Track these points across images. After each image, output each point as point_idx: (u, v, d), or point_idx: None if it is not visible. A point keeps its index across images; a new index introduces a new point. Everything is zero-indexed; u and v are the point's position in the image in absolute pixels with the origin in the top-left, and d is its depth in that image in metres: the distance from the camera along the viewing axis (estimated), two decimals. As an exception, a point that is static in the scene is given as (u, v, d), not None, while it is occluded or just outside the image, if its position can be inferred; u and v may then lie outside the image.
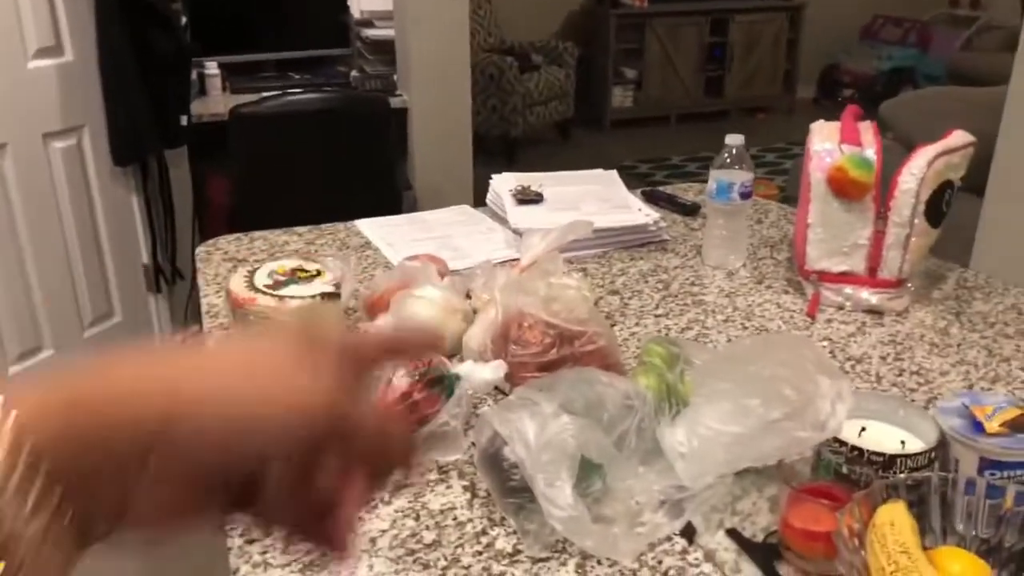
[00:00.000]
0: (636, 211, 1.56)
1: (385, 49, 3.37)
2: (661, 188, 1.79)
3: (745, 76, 6.42)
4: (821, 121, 1.37)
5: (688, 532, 0.82)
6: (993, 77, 2.81)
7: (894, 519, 0.69)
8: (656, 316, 1.26)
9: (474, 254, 1.48)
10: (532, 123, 5.28)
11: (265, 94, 2.74)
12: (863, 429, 0.84)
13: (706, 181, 1.47)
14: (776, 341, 0.91)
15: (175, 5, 2.99)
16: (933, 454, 0.79)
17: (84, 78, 2.43)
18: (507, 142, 5.16)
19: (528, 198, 1.60)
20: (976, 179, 1.30)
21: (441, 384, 0.95)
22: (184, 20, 3.01)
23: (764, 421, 0.80)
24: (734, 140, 1.39)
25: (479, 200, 1.75)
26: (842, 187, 1.25)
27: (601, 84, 6.01)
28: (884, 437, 0.83)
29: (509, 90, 5.06)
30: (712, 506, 0.84)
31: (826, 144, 1.28)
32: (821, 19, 6.51)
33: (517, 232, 1.54)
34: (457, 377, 0.98)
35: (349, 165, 2.67)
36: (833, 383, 0.80)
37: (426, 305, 1.14)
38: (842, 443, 0.81)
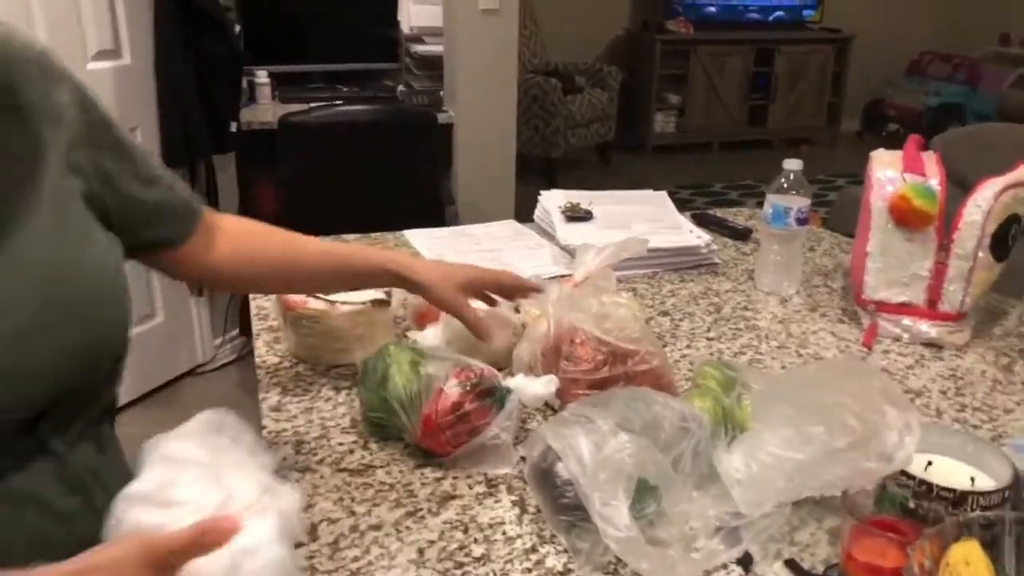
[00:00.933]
0: (687, 233, 1.54)
1: (433, 65, 3.40)
2: (711, 212, 1.76)
3: (789, 107, 6.37)
4: (882, 149, 1.34)
5: (745, 561, 0.80)
6: (1046, 116, 2.75)
7: (969, 558, 0.66)
8: (708, 339, 1.24)
9: (521, 269, 1.47)
10: (573, 145, 5.28)
11: (313, 104, 2.76)
12: (929, 463, 0.81)
13: (750, 208, 1.44)
14: (840, 368, 0.89)
15: (229, 13, 3.04)
16: (1007, 492, 0.76)
17: (140, 81, 2.47)
18: (548, 163, 5.16)
19: (577, 215, 1.58)
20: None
21: (492, 396, 0.94)
22: (237, 28, 3.05)
23: (827, 449, 0.77)
24: (792, 165, 1.37)
25: (519, 219, 1.74)
26: (904, 216, 1.22)
27: (644, 109, 6.01)
28: (952, 473, 0.80)
29: (552, 111, 5.07)
30: (769, 535, 0.82)
31: (888, 172, 1.26)
32: (868, 53, 6.46)
33: (566, 249, 1.53)
34: (508, 390, 0.96)
35: (394, 178, 2.68)
36: (901, 414, 0.77)
37: (476, 317, 1.13)
38: (910, 476, 0.78)
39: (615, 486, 0.75)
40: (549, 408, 1.04)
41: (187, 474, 0.61)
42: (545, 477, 0.83)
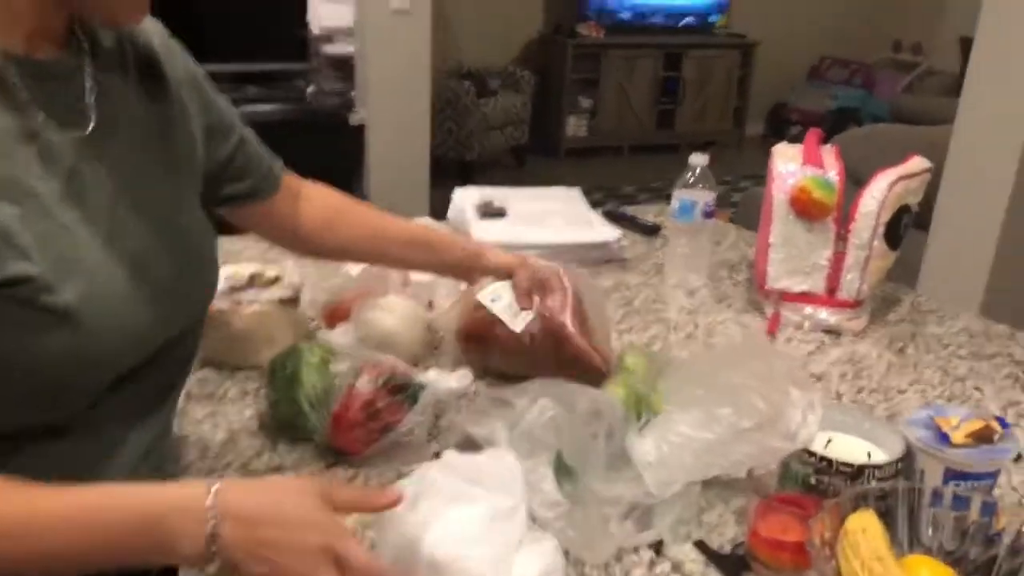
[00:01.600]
0: (598, 228, 1.56)
1: (343, 66, 3.36)
2: (622, 209, 1.79)
3: (697, 111, 6.54)
4: (784, 143, 1.40)
5: (656, 542, 0.81)
6: (934, 119, 2.91)
7: (866, 526, 0.68)
8: (619, 331, 1.26)
9: (435, 267, 1.47)
10: (488, 148, 5.30)
11: (221, 105, 2.70)
12: (829, 441, 0.85)
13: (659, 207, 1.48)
14: (748, 350, 0.92)
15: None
16: (900, 465, 0.79)
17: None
18: (462, 165, 5.16)
19: (491, 212, 1.59)
20: (920, 215, 1.35)
21: (405, 392, 0.93)
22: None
23: (735, 429, 0.79)
24: (698, 160, 1.40)
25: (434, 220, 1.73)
26: (804, 207, 1.27)
27: (556, 112, 6.06)
28: (851, 449, 0.84)
29: (466, 114, 5.08)
30: (679, 517, 0.83)
31: (789, 166, 1.30)
32: (772, 58, 6.68)
33: (479, 246, 1.53)
34: (422, 386, 0.95)
35: (305, 178, 2.63)
36: (804, 394, 0.80)
37: (387, 314, 1.12)
38: (811, 454, 0.81)
39: (537, 457, 0.75)
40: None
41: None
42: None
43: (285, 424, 0.95)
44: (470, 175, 5.08)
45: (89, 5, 0.65)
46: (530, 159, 5.85)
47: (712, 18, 6.56)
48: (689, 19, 6.49)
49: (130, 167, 0.71)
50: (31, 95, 0.63)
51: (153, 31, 0.80)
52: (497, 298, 1.04)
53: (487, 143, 5.28)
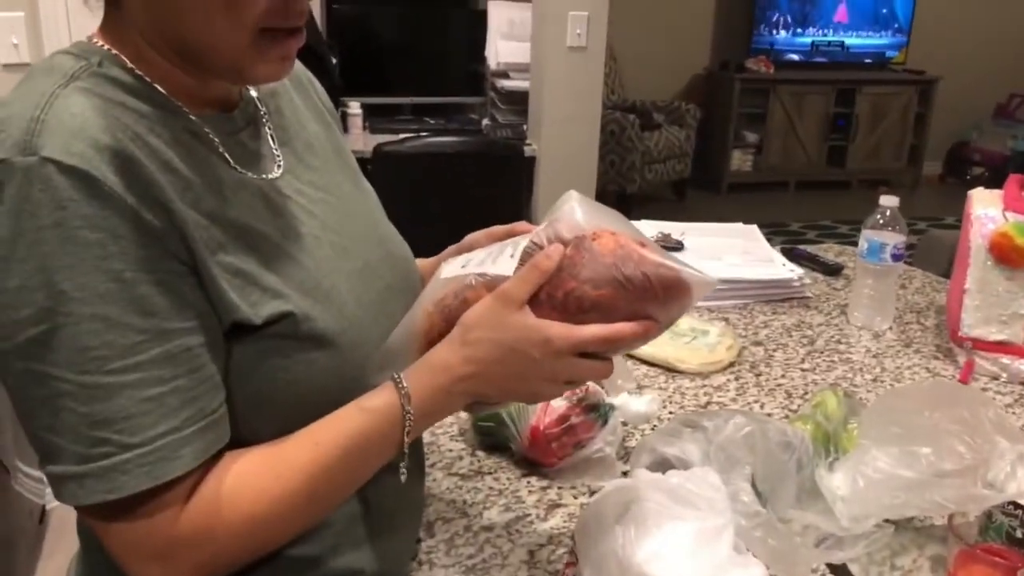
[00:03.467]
0: (780, 266, 1.56)
1: (517, 100, 3.49)
2: (801, 247, 1.78)
3: (869, 148, 6.29)
4: (981, 188, 1.35)
5: (846, 580, 0.81)
6: None
7: (1082, 583, 0.67)
8: (803, 370, 1.26)
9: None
10: (649, 180, 5.32)
11: (404, 135, 2.87)
12: (1036, 495, 0.82)
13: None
14: (952, 393, 0.90)
15: (329, 45, 3.19)
16: (1118, 525, 0.76)
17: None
18: (623, 198, 5.20)
19: (669, 245, 1.62)
20: None
21: (597, 411, 0.98)
22: (335, 61, 3.20)
23: (935, 471, 0.79)
24: (889, 201, 1.38)
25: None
26: (1005, 254, 1.22)
27: (721, 147, 6.01)
28: (1059, 505, 0.81)
29: (629, 147, 5.12)
30: (870, 556, 0.83)
31: (988, 210, 1.27)
32: (953, 95, 6.34)
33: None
34: (612, 407, 1.00)
35: (478, 207, 2.76)
36: (1014, 445, 0.79)
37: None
38: (1018, 506, 0.79)
39: (735, 472, 0.77)
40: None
41: None
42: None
43: (484, 432, 1.02)
44: (630, 208, 5.11)
45: (238, 76, 0.66)
46: (691, 193, 5.82)
47: (889, 54, 6.32)
48: (862, 54, 6.27)
49: (325, 190, 0.77)
50: (229, 149, 0.68)
51: (299, 65, 0.84)
52: (467, 261, 0.74)
53: (649, 176, 5.30)
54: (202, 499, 0.61)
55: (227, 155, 0.68)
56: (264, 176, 0.71)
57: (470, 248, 0.79)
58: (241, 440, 0.65)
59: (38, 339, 0.55)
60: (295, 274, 0.67)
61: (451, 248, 0.86)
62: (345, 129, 3.31)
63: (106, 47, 0.64)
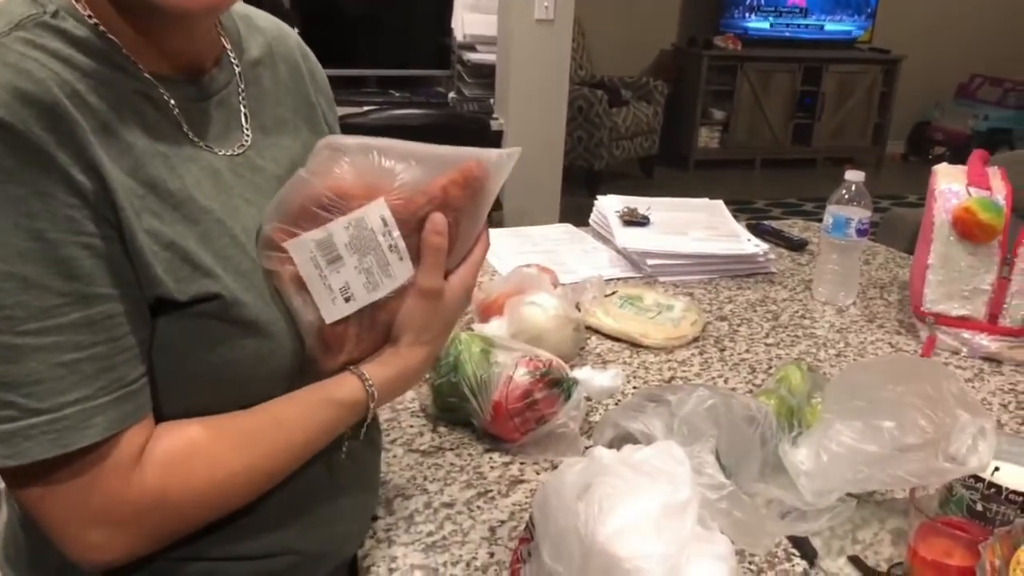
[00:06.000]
0: (745, 241, 1.55)
1: (484, 73, 3.45)
2: (767, 223, 1.78)
3: (835, 126, 6.34)
4: (945, 164, 1.35)
5: (808, 554, 0.81)
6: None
7: (1041, 555, 0.67)
8: (767, 344, 1.25)
9: (579, 270, 1.50)
10: (617, 157, 5.31)
11: (368, 108, 2.82)
12: (996, 468, 0.82)
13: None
14: (914, 367, 0.90)
15: (287, 16, 3.12)
16: (1077, 497, 0.77)
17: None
18: (590, 174, 5.19)
19: (635, 220, 1.61)
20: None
21: (560, 386, 0.97)
22: (296, 30, 3.13)
23: (898, 445, 0.79)
24: (854, 176, 1.38)
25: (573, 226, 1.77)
26: (968, 229, 1.23)
27: (688, 124, 6.01)
28: (1019, 478, 0.81)
29: (597, 123, 5.11)
30: (832, 530, 0.83)
31: (952, 185, 1.27)
32: (916, 74, 6.41)
33: (623, 252, 1.55)
34: (575, 381, 0.99)
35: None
36: (976, 419, 0.78)
37: (540, 312, 1.16)
38: (978, 479, 0.79)
39: (699, 444, 0.76)
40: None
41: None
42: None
43: (446, 408, 1.00)
44: (597, 184, 5.10)
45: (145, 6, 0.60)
46: (658, 170, 5.83)
47: (855, 33, 6.35)
48: (829, 33, 6.30)
49: (288, 170, 0.72)
50: (188, 116, 0.65)
51: (295, 37, 0.82)
52: (346, 289, 0.69)
53: (616, 152, 5.29)
54: (154, 462, 0.59)
55: (183, 122, 0.64)
56: (222, 152, 0.67)
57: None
58: (166, 415, 0.62)
59: None
60: (233, 255, 0.64)
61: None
62: (308, 101, 3.24)
63: None
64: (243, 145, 0.70)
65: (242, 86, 0.72)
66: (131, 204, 0.58)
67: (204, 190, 0.64)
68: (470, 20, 3.61)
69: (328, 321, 0.66)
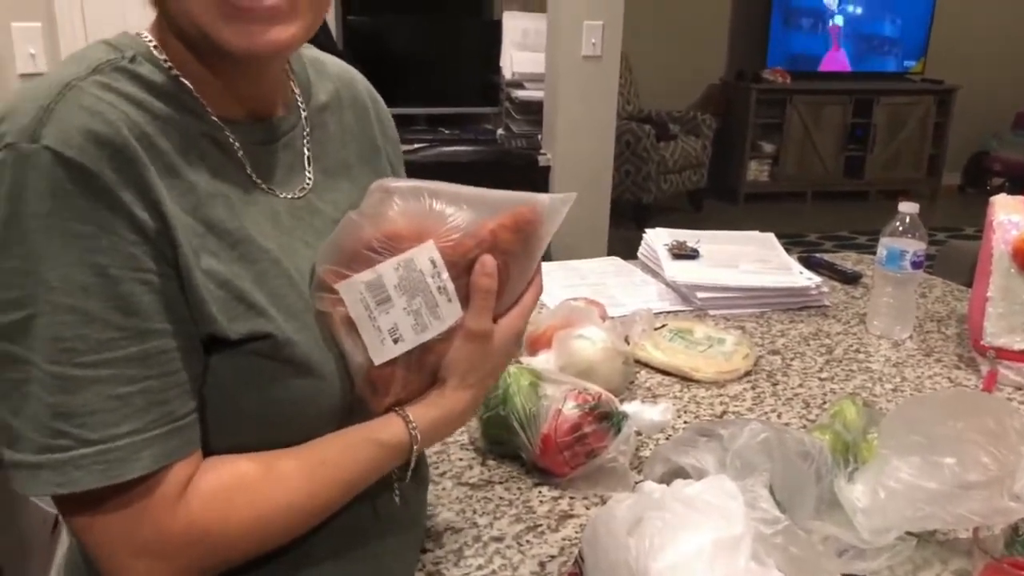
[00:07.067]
0: (797, 274, 1.53)
1: (532, 110, 3.48)
2: (819, 255, 1.75)
3: (887, 158, 6.25)
4: (1003, 195, 1.33)
5: (867, 594, 0.79)
6: None
7: (1116, 599, 0.64)
8: (821, 379, 1.23)
9: (628, 303, 1.50)
10: (665, 191, 5.30)
11: (417, 145, 2.87)
12: (1064, 508, 0.79)
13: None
14: (975, 402, 0.87)
15: (344, 57, 3.19)
16: None
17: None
18: (638, 208, 5.19)
19: (684, 253, 1.60)
20: None
21: (609, 420, 0.96)
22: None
23: (959, 482, 0.76)
24: (908, 208, 1.36)
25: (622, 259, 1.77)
26: (1029, 261, 1.20)
27: (738, 157, 5.98)
28: (1089, 518, 0.78)
29: (645, 157, 5.11)
30: (892, 570, 0.81)
31: (1012, 216, 1.24)
32: (972, 105, 6.29)
33: (672, 285, 1.54)
34: (625, 415, 0.98)
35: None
36: (1041, 455, 0.76)
37: (590, 345, 1.16)
38: (1045, 518, 0.76)
39: (752, 478, 0.75)
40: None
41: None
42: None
43: (494, 440, 1.00)
44: (646, 218, 5.10)
45: (222, 49, 0.62)
46: (707, 203, 5.80)
47: (907, 64, 6.28)
48: (880, 65, 6.23)
49: (345, 214, 0.73)
50: (252, 159, 0.67)
51: (363, 82, 0.84)
52: (394, 331, 0.68)
53: (664, 186, 5.28)
54: (199, 497, 0.60)
55: (247, 164, 0.67)
56: (283, 195, 0.69)
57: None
58: (214, 451, 0.64)
59: (19, 323, 0.55)
60: (287, 295, 0.65)
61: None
62: (360, 139, 3.31)
63: (150, 39, 0.65)
64: (304, 188, 0.72)
65: (307, 130, 0.74)
66: (190, 243, 0.60)
67: (263, 231, 0.65)
68: (518, 58, 3.66)
69: (376, 362, 0.66)
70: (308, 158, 0.73)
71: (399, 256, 0.65)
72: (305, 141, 0.73)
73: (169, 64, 0.64)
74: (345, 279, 0.66)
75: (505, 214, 0.68)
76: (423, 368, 0.69)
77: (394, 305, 0.66)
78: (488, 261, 0.66)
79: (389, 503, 0.74)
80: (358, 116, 0.81)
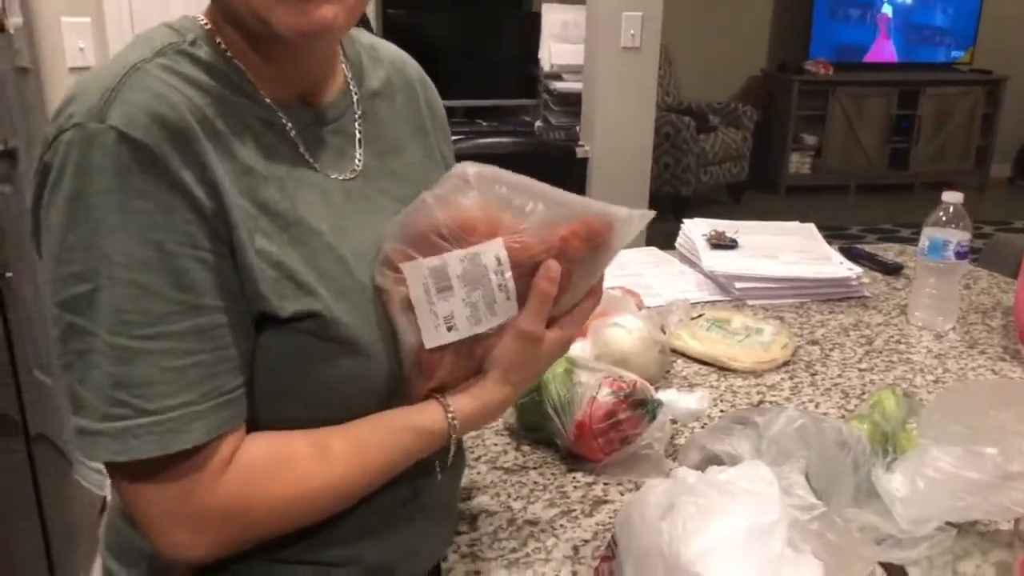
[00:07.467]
0: (837, 264, 1.52)
1: (571, 101, 3.48)
2: (860, 246, 1.73)
3: (933, 150, 6.12)
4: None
5: (906, 585, 0.78)
6: None
7: None
8: (860, 370, 1.22)
9: (665, 293, 1.49)
10: (705, 183, 5.25)
11: (456, 138, 2.88)
12: (1109, 500, 0.78)
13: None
14: (1018, 392, 0.86)
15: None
16: None
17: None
18: (677, 200, 5.15)
19: (722, 243, 1.59)
20: None
21: (644, 407, 0.96)
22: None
23: (1001, 472, 0.75)
24: (952, 198, 1.33)
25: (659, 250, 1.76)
26: (1078, 251, 1.17)
27: (779, 149, 5.91)
28: None
29: (684, 149, 5.07)
30: (931, 560, 0.80)
31: (1060, 205, 1.21)
32: (1022, 95, 6.13)
33: (710, 275, 1.53)
34: (660, 403, 0.98)
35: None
36: (1084, 444, 0.75)
37: (626, 334, 1.16)
38: (1090, 509, 0.75)
39: (788, 465, 0.75)
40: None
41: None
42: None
43: (529, 427, 1.01)
44: (685, 210, 5.05)
45: (269, 29, 0.63)
46: (748, 196, 5.74)
47: (954, 54, 6.14)
48: (926, 55, 6.10)
49: (398, 199, 0.74)
50: (305, 141, 0.69)
51: (415, 67, 0.86)
52: (449, 319, 0.70)
53: (704, 178, 5.24)
54: (242, 470, 0.62)
55: (300, 145, 0.68)
56: (335, 176, 0.71)
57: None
58: (262, 426, 0.65)
59: (83, 295, 0.57)
60: (337, 276, 0.66)
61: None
62: (399, 132, 3.33)
63: (206, 23, 0.67)
64: (355, 170, 0.73)
65: (358, 113, 0.75)
66: (244, 223, 0.62)
67: (315, 212, 0.67)
68: (557, 50, 3.66)
69: (428, 347, 0.68)
70: (359, 140, 0.74)
71: (468, 249, 0.66)
72: (357, 125, 0.75)
73: (224, 47, 0.66)
74: (411, 260, 0.67)
75: (578, 221, 0.67)
76: (471, 358, 0.70)
77: (454, 294, 0.67)
78: (553, 267, 0.67)
79: (425, 488, 0.75)
80: (408, 100, 0.82)
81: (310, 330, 0.64)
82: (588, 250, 0.68)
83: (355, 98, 0.75)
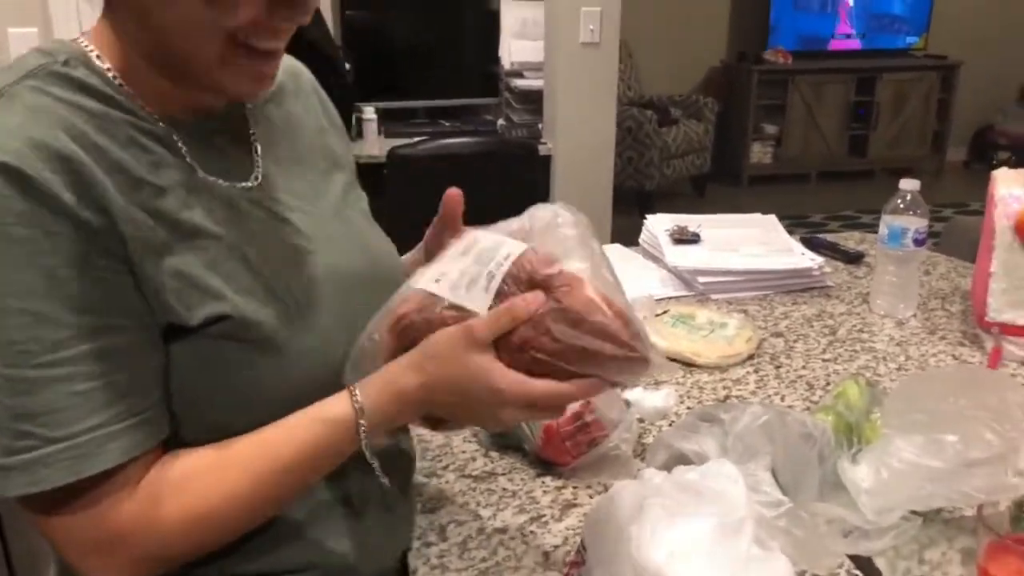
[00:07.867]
0: (799, 255, 1.53)
1: (532, 99, 3.47)
2: (821, 236, 1.75)
3: (891, 136, 6.21)
4: (1004, 168, 1.31)
5: (872, 575, 0.79)
6: None
7: (1121, 573, 0.64)
8: (824, 360, 1.23)
9: (629, 290, 1.49)
10: (668, 176, 5.28)
11: (419, 138, 2.86)
12: (1070, 483, 0.79)
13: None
14: (977, 378, 0.87)
15: (343, 52, 3.19)
16: None
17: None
18: (641, 195, 5.17)
19: (685, 238, 1.60)
20: None
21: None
22: (348, 66, 3.20)
23: (963, 460, 0.76)
24: (909, 185, 1.35)
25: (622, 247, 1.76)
26: (1032, 235, 1.19)
27: (740, 140, 5.95)
28: (1095, 492, 0.78)
29: (647, 143, 5.09)
30: (897, 550, 0.81)
31: (1013, 190, 1.23)
32: (976, 80, 6.24)
33: (674, 271, 1.54)
34: (628, 403, 0.98)
35: (496, 206, 2.73)
36: (1044, 430, 0.76)
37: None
38: (1050, 494, 0.76)
39: (754, 462, 0.75)
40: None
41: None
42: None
43: (497, 433, 1.00)
44: (649, 204, 5.08)
45: (212, 88, 0.65)
46: (711, 188, 5.78)
47: (909, 40, 6.23)
48: (881, 42, 6.18)
49: (305, 199, 0.75)
50: (196, 153, 0.67)
51: (306, 73, 0.85)
52: (441, 276, 0.69)
53: (667, 172, 5.26)
54: (145, 493, 0.61)
55: (192, 159, 0.67)
56: (240, 185, 0.70)
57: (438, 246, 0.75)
58: (184, 441, 0.64)
59: None
60: (242, 278, 0.66)
61: (420, 247, 0.86)
62: (360, 134, 3.31)
63: (87, 45, 0.65)
64: (256, 177, 0.73)
65: (253, 121, 0.75)
66: (138, 236, 0.61)
67: (215, 218, 0.66)
68: (517, 47, 3.65)
69: (412, 285, 0.69)
70: (256, 148, 0.74)
71: (507, 238, 0.68)
72: (252, 134, 0.75)
73: (107, 67, 0.64)
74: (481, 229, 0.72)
75: (605, 303, 0.63)
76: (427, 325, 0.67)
77: (466, 258, 0.68)
78: (538, 298, 0.63)
79: (366, 480, 0.73)
80: (305, 106, 0.82)
81: (223, 333, 0.63)
82: (584, 329, 0.62)
83: (248, 106, 0.75)
